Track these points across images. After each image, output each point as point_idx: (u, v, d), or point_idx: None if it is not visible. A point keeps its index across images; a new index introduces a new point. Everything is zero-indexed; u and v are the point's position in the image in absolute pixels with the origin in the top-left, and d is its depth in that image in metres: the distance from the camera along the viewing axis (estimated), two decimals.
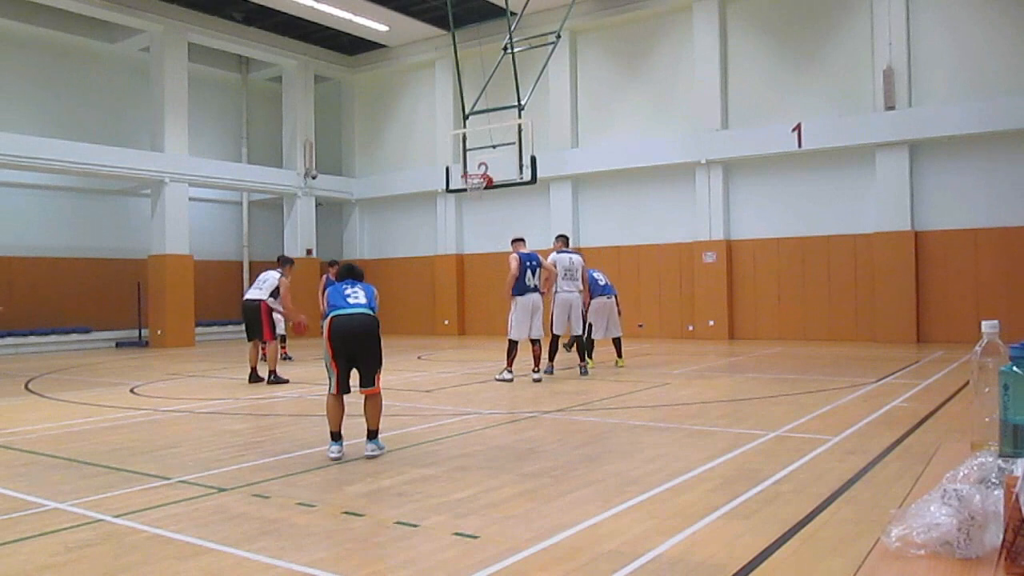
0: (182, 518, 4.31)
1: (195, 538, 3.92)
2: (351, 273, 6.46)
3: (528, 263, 10.42)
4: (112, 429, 7.49)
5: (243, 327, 11.43)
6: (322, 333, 5.99)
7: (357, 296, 6.10)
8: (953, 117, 15.42)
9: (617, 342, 12.18)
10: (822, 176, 17.04)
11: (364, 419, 6.00)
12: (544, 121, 19.49)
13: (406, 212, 23.28)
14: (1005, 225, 15.20)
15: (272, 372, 10.96)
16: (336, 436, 5.89)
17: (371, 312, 6.06)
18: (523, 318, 10.28)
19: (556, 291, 10.98)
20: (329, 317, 5.98)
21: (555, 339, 11.14)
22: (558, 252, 11.23)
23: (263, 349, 11.12)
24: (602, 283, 11.85)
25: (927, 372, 10.51)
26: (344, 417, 5.97)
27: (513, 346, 10.39)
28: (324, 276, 15.14)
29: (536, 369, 10.39)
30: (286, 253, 23.07)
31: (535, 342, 10.42)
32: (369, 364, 5.96)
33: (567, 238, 11.86)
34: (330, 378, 5.93)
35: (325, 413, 5.98)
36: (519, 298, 10.32)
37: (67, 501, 4.68)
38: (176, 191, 19.77)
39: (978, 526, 1.27)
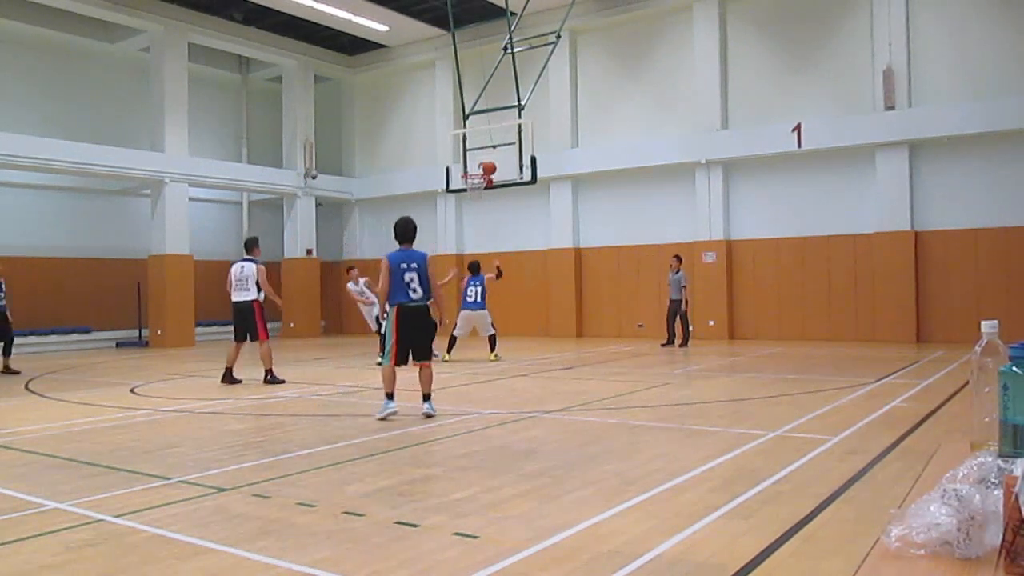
0: (182, 518, 4.31)
1: (195, 538, 3.92)
2: (406, 234, 7.71)
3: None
4: (112, 429, 7.49)
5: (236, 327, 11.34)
6: (387, 317, 7.57)
7: (416, 287, 7.46)
8: (953, 117, 15.42)
9: (491, 340, 13.84)
10: (822, 176, 17.04)
11: (420, 386, 7.60)
12: (544, 121, 19.48)
13: (406, 212, 23.02)
14: (1005, 225, 15.20)
15: (268, 371, 10.95)
16: (391, 396, 7.36)
17: (428, 304, 7.56)
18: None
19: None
20: (396, 306, 7.44)
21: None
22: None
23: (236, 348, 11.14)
24: (471, 300, 13.70)
25: (927, 372, 10.51)
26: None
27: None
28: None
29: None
30: (286, 254, 23.11)
31: None
32: (425, 345, 7.58)
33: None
34: (387, 351, 7.44)
35: (381, 379, 7.53)
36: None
37: (67, 501, 4.68)
38: (176, 191, 19.78)
39: (978, 526, 1.27)
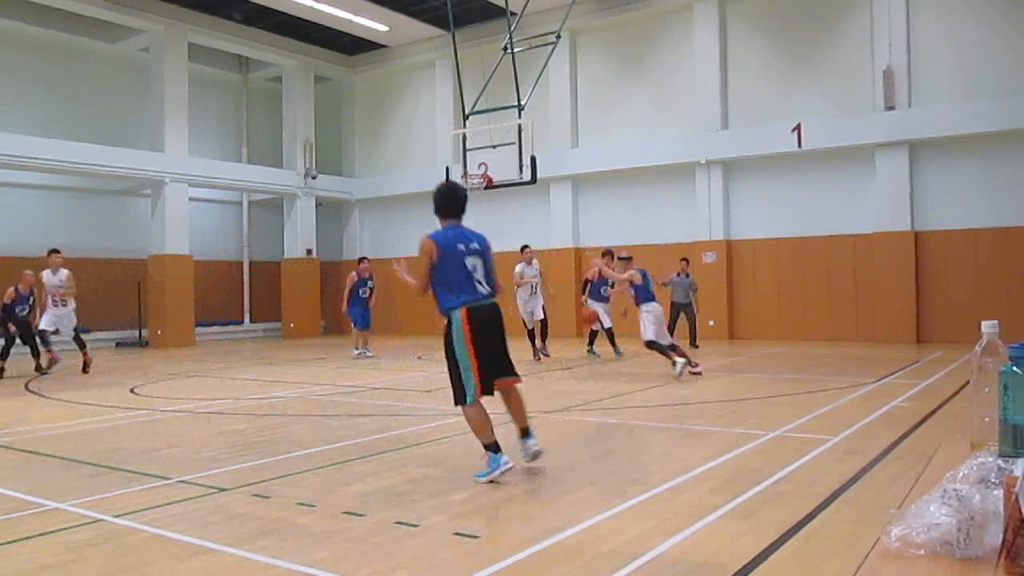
0: (182, 518, 4.31)
1: (195, 538, 3.92)
2: (455, 205, 5.42)
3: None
4: (112, 429, 7.50)
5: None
6: (449, 328, 5.05)
7: (480, 278, 5.17)
8: (953, 117, 15.41)
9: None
10: (822, 176, 17.03)
11: (512, 418, 5.29)
12: (544, 121, 19.48)
13: (406, 212, 23.25)
14: (1005, 225, 15.19)
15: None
16: (498, 447, 4.95)
17: (496, 303, 5.26)
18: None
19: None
20: (462, 308, 5.00)
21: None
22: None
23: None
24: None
25: (927, 372, 10.50)
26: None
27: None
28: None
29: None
30: (286, 253, 23.11)
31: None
32: (507, 358, 5.20)
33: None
34: (467, 385, 4.98)
35: (470, 428, 5.06)
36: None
37: (67, 501, 4.68)
38: (176, 191, 19.78)
39: (978, 526, 1.27)
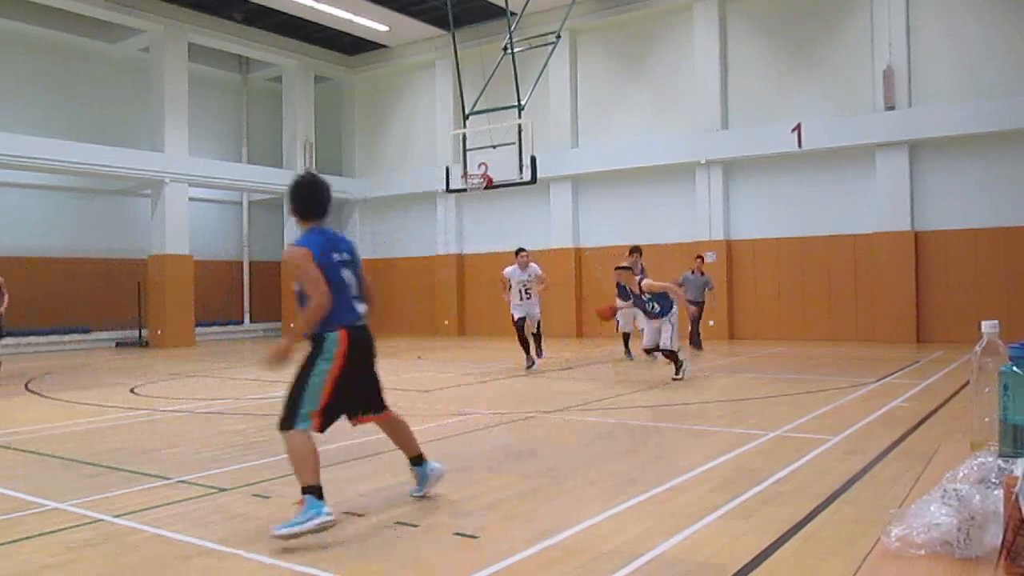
0: (182, 518, 4.31)
1: (195, 538, 3.92)
2: (324, 204, 4.48)
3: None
4: (112, 429, 7.50)
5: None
6: (317, 347, 4.16)
7: (356, 292, 4.32)
8: (953, 117, 15.42)
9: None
10: (822, 176, 17.04)
11: (400, 450, 4.67)
12: (544, 121, 19.48)
13: (406, 212, 23.28)
14: (1005, 225, 15.20)
15: None
16: (321, 492, 3.97)
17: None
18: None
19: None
20: (343, 330, 4.15)
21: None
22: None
23: None
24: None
25: (927, 372, 10.50)
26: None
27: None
28: None
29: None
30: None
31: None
32: (379, 385, 4.53)
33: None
34: (304, 407, 4.13)
35: (296, 461, 4.08)
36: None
37: (67, 501, 4.68)
38: (176, 191, 19.78)
39: (978, 526, 1.27)
